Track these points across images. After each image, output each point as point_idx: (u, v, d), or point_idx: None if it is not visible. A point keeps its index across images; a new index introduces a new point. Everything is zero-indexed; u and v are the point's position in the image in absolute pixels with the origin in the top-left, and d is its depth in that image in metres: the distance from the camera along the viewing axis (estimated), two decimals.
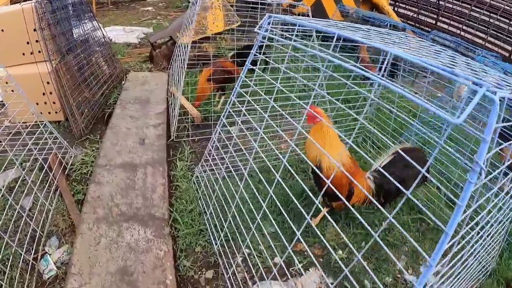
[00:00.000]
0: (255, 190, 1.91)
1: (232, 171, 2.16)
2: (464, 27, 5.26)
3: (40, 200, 2.24)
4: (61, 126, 3.10)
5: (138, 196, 2.29)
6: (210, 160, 2.35)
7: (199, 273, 1.98)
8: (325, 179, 1.47)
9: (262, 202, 1.81)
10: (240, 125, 2.16)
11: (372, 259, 2.11)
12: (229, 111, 2.13)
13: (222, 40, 4.27)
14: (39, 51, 2.93)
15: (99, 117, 3.26)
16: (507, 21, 4.76)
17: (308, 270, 2.02)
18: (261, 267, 1.86)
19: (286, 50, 2.09)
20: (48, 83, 2.99)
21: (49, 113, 3.15)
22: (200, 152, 2.89)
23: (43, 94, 3.06)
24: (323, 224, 2.29)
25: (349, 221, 2.32)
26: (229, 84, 3.36)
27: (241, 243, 1.94)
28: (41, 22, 2.70)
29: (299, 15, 4.28)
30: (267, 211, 1.84)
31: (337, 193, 1.39)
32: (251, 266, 1.94)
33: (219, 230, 2.07)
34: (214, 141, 2.27)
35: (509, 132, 2.23)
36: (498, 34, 4.94)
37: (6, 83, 2.51)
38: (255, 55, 1.99)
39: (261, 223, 1.82)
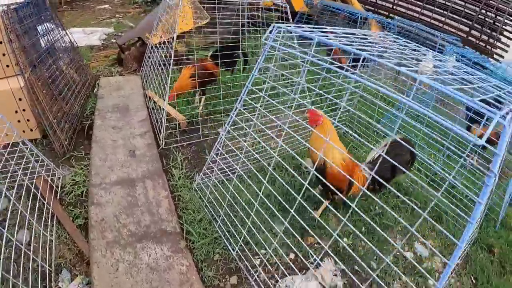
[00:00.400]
0: (258, 191, 1.92)
1: (231, 175, 2.16)
2: (422, 11, 5.52)
3: (37, 231, 2.05)
4: (39, 144, 2.81)
5: (144, 213, 2.19)
6: (214, 166, 2.31)
7: (223, 280, 1.97)
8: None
9: (267, 202, 1.89)
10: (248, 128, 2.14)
11: (373, 242, 2.21)
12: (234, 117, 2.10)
13: (191, 38, 4.09)
14: (8, 65, 2.61)
15: (79, 131, 3.01)
16: (463, 3, 5.07)
17: (323, 261, 2.08)
18: (280, 265, 1.95)
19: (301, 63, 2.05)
20: (20, 99, 2.69)
21: (24, 131, 2.85)
22: (192, 158, 2.81)
23: (16, 112, 2.75)
24: (325, 216, 2.38)
25: (348, 210, 2.43)
26: (209, 85, 3.27)
27: (253, 245, 1.98)
28: (10, 34, 2.39)
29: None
30: (274, 210, 1.92)
31: (332, 187, 1.45)
32: (269, 265, 2.00)
33: (234, 235, 2.08)
34: (218, 148, 2.22)
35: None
36: (455, 16, 5.27)
37: None
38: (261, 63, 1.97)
39: (272, 223, 1.93)
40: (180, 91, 3.06)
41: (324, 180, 1.79)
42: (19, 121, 2.81)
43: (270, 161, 2.72)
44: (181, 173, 2.59)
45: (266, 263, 2.01)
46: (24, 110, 2.77)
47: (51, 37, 3.01)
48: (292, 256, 2.11)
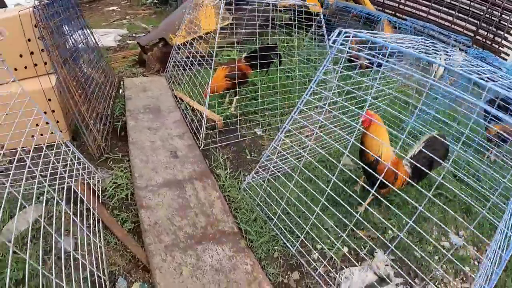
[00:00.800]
0: (310, 190, 1.89)
1: (280, 174, 2.09)
2: (430, 10, 5.55)
3: (82, 237, 1.90)
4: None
5: (198, 215, 2.06)
6: (270, 164, 2.21)
7: (286, 277, 1.91)
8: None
9: (319, 198, 1.87)
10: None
11: (414, 233, 2.25)
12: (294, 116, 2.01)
13: (213, 39, 3.98)
14: (36, 64, 2.44)
15: (111, 132, 2.84)
16: (469, 2, 5.11)
17: (376, 252, 2.10)
18: (335, 258, 1.97)
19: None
20: (50, 100, 2.52)
21: (52, 133, 2.67)
22: (233, 158, 2.69)
23: (45, 113, 2.57)
24: (369, 211, 2.34)
25: (389, 204, 2.40)
26: (242, 86, 3.16)
27: (304, 240, 1.96)
28: (42, 30, 2.23)
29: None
30: (328, 205, 1.88)
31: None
32: (326, 259, 1.98)
33: (291, 232, 2.05)
34: (274, 146, 2.12)
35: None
36: (462, 16, 5.26)
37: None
38: (327, 67, 1.90)
39: (325, 218, 1.93)
40: (216, 91, 2.94)
41: (369, 174, 1.82)
42: (47, 123, 2.63)
43: (314, 159, 2.64)
44: (226, 173, 2.47)
45: (324, 256, 1.98)
46: (53, 111, 2.60)
47: (79, 36, 2.85)
48: (345, 249, 2.09)
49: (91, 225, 2.01)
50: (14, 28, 2.31)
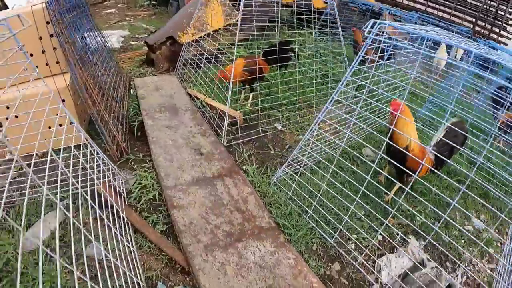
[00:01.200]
0: (339, 184, 1.81)
1: (313, 165, 2.02)
2: (428, 3, 5.56)
3: (111, 242, 1.76)
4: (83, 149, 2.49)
5: (233, 212, 1.96)
6: (304, 158, 2.13)
7: (328, 268, 1.84)
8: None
9: (346, 190, 1.83)
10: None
11: (440, 219, 2.19)
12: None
13: (221, 36, 3.87)
14: (47, 64, 2.28)
15: (128, 132, 2.70)
16: None
17: (409, 238, 2.08)
18: (371, 247, 1.93)
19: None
20: (64, 100, 2.37)
21: (65, 135, 2.52)
22: (257, 153, 2.59)
23: (57, 114, 2.42)
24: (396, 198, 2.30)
25: (414, 192, 2.38)
26: (257, 82, 3.05)
27: (341, 231, 1.91)
28: (56, 26, 2.08)
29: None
30: (356, 198, 1.82)
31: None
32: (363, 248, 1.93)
33: (328, 224, 2.00)
34: (308, 138, 2.03)
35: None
36: (458, 7, 5.32)
37: None
38: (363, 56, 1.83)
39: (355, 209, 1.86)
40: (233, 77, 2.81)
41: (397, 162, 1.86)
42: (61, 125, 2.48)
43: (336, 152, 2.58)
44: (253, 169, 2.37)
45: (360, 245, 1.92)
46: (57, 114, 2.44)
47: (91, 35, 2.70)
48: (380, 237, 2.06)
49: (121, 228, 1.88)
50: (21, 26, 2.15)
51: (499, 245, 2.25)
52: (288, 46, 2.89)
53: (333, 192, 2.05)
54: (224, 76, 2.79)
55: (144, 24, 4.84)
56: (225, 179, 2.16)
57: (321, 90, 3.35)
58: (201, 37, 3.55)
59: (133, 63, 3.77)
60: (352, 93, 1.93)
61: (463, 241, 2.18)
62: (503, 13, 4.84)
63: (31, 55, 2.34)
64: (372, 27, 1.76)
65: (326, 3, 4.71)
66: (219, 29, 3.57)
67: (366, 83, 1.92)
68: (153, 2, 5.93)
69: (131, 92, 3.18)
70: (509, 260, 1.74)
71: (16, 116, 2.18)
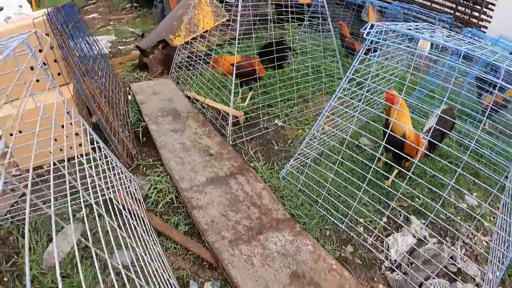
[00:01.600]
0: (344, 173, 1.97)
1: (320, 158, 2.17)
2: None
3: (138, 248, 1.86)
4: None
5: (250, 207, 2.09)
6: (311, 151, 2.29)
7: (341, 250, 2.02)
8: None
9: (351, 178, 1.98)
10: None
11: (437, 199, 2.42)
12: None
13: (211, 37, 3.94)
14: (56, 75, 2.32)
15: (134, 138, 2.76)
16: None
17: (411, 218, 2.28)
18: (379, 228, 2.13)
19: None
20: (68, 112, 2.41)
21: (71, 148, 2.56)
22: (262, 150, 2.72)
23: (62, 126, 2.46)
24: (395, 183, 2.49)
25: (411, 176, 2.58)
26: (252, 82, 3.16)
27: (350, 216, 2.10)
28: (59, 38, 2.12)
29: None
30: (363, 185, 2.02)
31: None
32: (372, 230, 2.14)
33: (338, 211, 2.18)
34: (313, 133, 2.18)
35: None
36: None
37: None
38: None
39: (362, 195, 2.06)
40: (220, 66, 2.92)
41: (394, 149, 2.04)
42: (67, 136, 2.52)
43: (336, 142, 2.75)
44: (261, 165, 2.51)
45: (368, 227, 2.11)
46: (71, 124, 2.49)
47: (89, 43, 2.72)
48: (385, 219, 2.24)
49: (145, 233, 1.98)
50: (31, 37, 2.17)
51: (492, 219, 2.48)
52: (284, 45, 3.00)
53: (339, 181, 2.22)
54: (216, 63, 2.89)
55: (129, 28, 4.82)
56: (238, 177, 2.29)
57: (315, 85, 3.51)
58: (193, 38, 3.62)
59: (125, 68, 3.80)
60: (353, 89, 2.08)
61: (459, 217, 2.39)
62: None
63: (32, 68, 2.37)
64: (370, 29, 1.92)
65: None
66: (211, 29, 3.65)
67: (366, 79, 2.08)
68: (135, 4, 5.87)
69: (129, 97, 3.22)
70: (503, 230, 1.97)
71: (20, 131, 2.21)
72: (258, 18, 3.64)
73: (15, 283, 1.76)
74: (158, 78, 3.63)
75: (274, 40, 2.91)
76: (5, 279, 1.81)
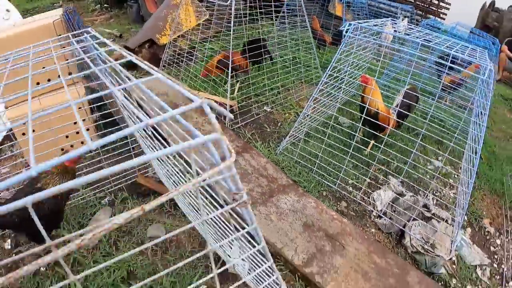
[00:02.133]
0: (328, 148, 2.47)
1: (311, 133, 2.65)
2: None
3: (169, 222, 2.23)
4: None
5: (259, 178, 2.51)
6: (304, 128, 2.76)
7: (337, 206, 2.52)
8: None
9: (335, 150, 2.48)
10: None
11: (407, 162, 2.92)
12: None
13: (193, 35, 4.29)
14: (59, 76, 2.57)
15: None
16: None
17: (389, 178, 2.82)
18: (364, 187, 2.62)
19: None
20: (80, 108, 2.68)
21: (82, 143, 2.81)
22: (256, 132, 3.15)
23: (74, 123, 2.71)
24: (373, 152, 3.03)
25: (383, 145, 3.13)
26: (241, 74, 3.58)
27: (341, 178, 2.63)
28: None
29: None
30: (347, 158, 2.52)
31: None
32: (356, 188, 2.64)
33: (330, 175, 2.69)
34: (305, 113, 2.66)
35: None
36: None
37: None
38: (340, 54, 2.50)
39: (348, 161, 2.63)
40: (208, 72, 3.35)
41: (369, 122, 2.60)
42: (77, 133, 2.77)
43: (318, 122, 3.25)
44: (259, 144, 2.93)
45: (356, 187, 2.60)
46: (84, 120, 2.75)
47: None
48: (368, 180, 2.72)
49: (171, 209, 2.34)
50: (44, 38, 2.42)
51: (456, 177, 3.07)
52: (260, 43, 3.43)
53: (327, 152, 2.72)
54: (208, 71, 3.30)
55: (105, 29, 5.01)
56: (244, 155, 2.70)
57: (294, 75, 3.99)
58: (178, 36, 3.96)
59: (112, 68, 4.02)
60: (336, 75, 2.58)
61: (428, 176, 2.96)
62: None
63: (43, 67, 2.60)
64: (348, 27, 2.42)
65: None
66: (193, 27, 4.01)
67: (346, 66, 2.58)
68: (105, 5, 6.02)
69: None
70: (466, 186, 2.50)
71: (34, 130, 2.45)
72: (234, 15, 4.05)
73: (54, 269, 1.97)
74: (147, 76, 3.91)
75: (255, 38, 3.35)
76: (42, 269, 2.00)
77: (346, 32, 2.38)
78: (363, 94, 2.78)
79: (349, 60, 2.71)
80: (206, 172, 0.61)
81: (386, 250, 2.20)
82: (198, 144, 0.59)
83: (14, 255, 2.11)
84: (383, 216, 2.47)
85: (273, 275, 1.13)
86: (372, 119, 2.63)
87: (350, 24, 2.38)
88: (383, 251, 2.16)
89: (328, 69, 2.53)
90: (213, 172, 0.61)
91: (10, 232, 2.21)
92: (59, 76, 2.63)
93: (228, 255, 1.83)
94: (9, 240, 2.20)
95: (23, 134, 2.63)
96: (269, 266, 1.03)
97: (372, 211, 2.51)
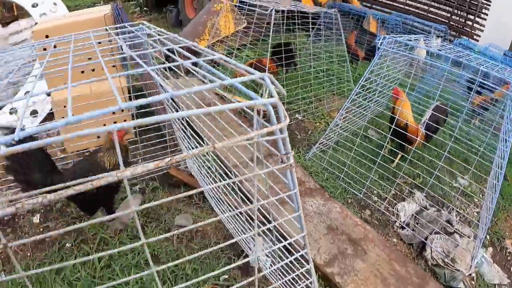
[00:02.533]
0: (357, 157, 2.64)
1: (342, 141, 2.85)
2: (407, 1, 6.63)
3: (196, 212, 2.46)
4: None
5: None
6: (334, 135, 2.96)
7: (361, 213, 2.68)
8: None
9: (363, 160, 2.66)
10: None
11: (434, 179, 2.99)
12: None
13: (231, 41, 4.59)
14: (101, 68, 2.89)
15: None
16: None
17: (414, 191, 2.96)
18: (388, 197, 2.77)
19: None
20: (130, 98, 2.88)
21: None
22: None
23: (113, 113, 3.01)
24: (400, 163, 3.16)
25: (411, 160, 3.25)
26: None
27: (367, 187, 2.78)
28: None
29: None
30: (374, 167, 2.68)
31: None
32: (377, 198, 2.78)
33: (356, 183, 2.85)
34: (336, 122, 2.86)
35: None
36: (434, 4, 6.33)
37: None
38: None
39: (376, 171, 2.76)
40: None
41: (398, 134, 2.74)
42: (115, 122, 3.06)
43: (349, 133, 3.43)
44: None
45: (381, 197, 2.76)
46: (122, 110, 3.04)
47: None
48: (393, 191, 2.88)
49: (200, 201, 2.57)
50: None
51: (481, 195, 3.13)
52: (287, 47, 3.66)
53: (359, 159, 2.88)
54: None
55: None
56: (274, 157, 2.91)
57: (326, 86, 4.20)
58: (216, 41, 4.27)
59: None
60: (369, 85, 2.78)
61: (453, 193, 3.04)
62: (475, 9, 5.99)
63: (89, 58, 2.89)
64: (383, 40, 2.63)
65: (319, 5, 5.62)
66: (231, 34, 4.31)
67: (379, 78, 2.78)
68: (145, 8, 6.48)
69: None
70: (491, 202, 2.60)
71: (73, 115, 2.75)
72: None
73: (80, 246, 2.16)
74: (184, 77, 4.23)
75: (281, 42, 3.59)
76: (68, 245, 2.20)
77: (381, 45, 2.57)
78: (394, 105, 2.94)
79: (382, 72, 2.89)
80: (264, 129, 0.80)
81: (407, 259, 2.34)
82: (260, 103, 0.78)
83: (41, 229, 2.32)
84: (406, 227, 2.61)
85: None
86: (401, 131, 2.78)
87: (384, 37, 2.57)
88: (403, 260, 2.30)
89: (361, 79, 2.73)
90: (269, 130, 0.80)
91: (39, 208, 2.44)
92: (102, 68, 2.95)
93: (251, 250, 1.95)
94: (38, 215, 2.40)
95: (63, 117, 2.92)
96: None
97: (395, 221, 2.65)
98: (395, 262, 2.24)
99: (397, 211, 2.73)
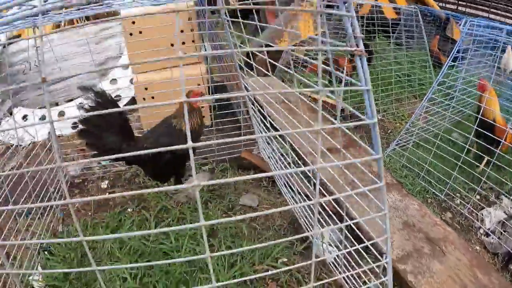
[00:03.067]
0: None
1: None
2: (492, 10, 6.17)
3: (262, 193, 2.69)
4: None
5: (365, 173, 2.83)
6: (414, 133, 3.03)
7: (442, 215, 2.66)
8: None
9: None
10: None
11: None
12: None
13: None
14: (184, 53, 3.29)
15: None
16: None
17: (501, 197, 2.82)
18: (473, 199, 2.69)
19: None
20: (199, 84, 3.06)
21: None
22: (366, 136, 3.45)
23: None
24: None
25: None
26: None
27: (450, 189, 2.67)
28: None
29: None
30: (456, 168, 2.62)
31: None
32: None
33: (436, 183, 2.83)
34: (413, 121, 2.92)
35: None
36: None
37: None
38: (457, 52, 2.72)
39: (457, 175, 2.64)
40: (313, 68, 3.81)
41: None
42: (202, 107, 3.31)
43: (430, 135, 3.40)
44: (368, 145, 3.26)
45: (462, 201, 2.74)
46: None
47: None
48: (478, 196, 2.78)
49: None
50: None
51: None
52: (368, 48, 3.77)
53: (441, 160, 2.85)
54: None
55: None
56: (350, 149, 3.04)
57: (406, 88, 4.21)
58: (295, 44, 4.57)
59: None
60: (447, 90, 2.80)
61: None
62: None
63: (172, 45, 2.84)
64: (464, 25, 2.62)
65: (398, 13, 5.62)
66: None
67: (458, 83, 2.76)
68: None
69: None
70: None
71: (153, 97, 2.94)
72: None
73: (141, 213, 2.32)
74: (265, 77, 4.60)
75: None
76: (129, 210, 2.36)
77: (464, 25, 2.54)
78: (478, 104, 2.83)
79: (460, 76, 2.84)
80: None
81: (491, 268, 2.23)
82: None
83: (107, 194, 2.53)
84: (491, 234, 2.52)
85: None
86: (487, 132, 2.68)
87: (467, 21, 2.55)
88: (487, 268, 2.17)
89: (439, 75, 2.75)
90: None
91: (109, 175, 2.71)
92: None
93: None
94: (106, 181, 2.68)
95: (144, 99, 3.00)
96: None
97: (480, 227, 2.57)
98: (477, 269, 2.11)
99: (482, 216, 2.65)
